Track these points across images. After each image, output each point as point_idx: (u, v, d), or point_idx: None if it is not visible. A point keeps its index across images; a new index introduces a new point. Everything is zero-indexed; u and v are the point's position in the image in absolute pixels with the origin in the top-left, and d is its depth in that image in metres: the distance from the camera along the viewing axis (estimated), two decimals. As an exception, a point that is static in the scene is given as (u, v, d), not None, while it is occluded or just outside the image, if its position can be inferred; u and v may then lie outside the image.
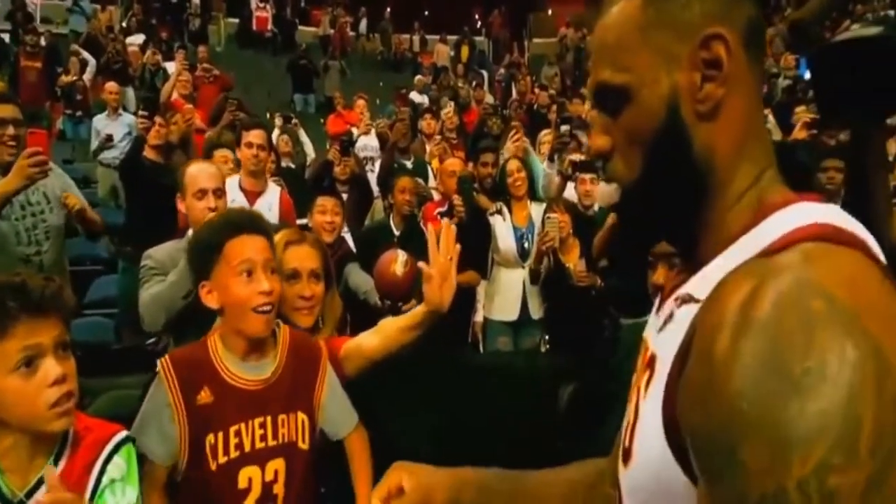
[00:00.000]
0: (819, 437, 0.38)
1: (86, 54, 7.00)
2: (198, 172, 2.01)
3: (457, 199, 3.10)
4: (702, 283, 0.52)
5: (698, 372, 0.45)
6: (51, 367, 1.00)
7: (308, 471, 1.33)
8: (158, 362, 1.28)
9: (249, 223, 1.30)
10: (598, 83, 0.58)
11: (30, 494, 1.02)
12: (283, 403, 1.31)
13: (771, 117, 5.37)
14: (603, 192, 0.62)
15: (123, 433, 1.13)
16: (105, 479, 1.07)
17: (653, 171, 0.57)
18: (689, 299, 0.53)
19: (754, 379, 0.41)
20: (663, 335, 0.56)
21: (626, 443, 0.57)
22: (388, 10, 14.43)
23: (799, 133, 3.62)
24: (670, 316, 0.56)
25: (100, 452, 1.08)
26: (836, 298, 0.41)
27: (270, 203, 2.95)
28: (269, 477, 1.27)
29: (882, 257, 0.49)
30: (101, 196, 4.97)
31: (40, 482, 1.03)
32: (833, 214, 0.50)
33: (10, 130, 2.39)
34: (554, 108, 6.67)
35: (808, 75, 7.82)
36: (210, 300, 1.28)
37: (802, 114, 4.32)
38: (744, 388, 0.41)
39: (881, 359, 0.39)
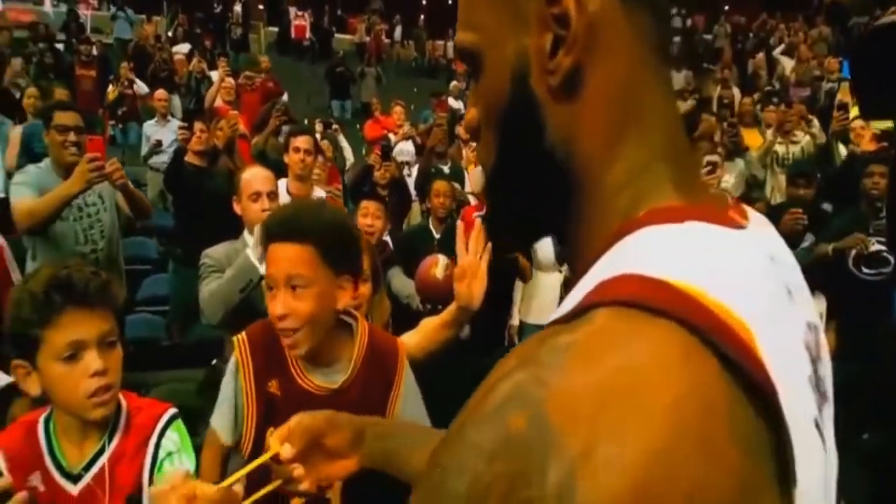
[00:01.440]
0: None
1: (139, 82, 7.26)
2: (252, 177, 2.12)
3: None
4: (568, 301, 0.38)
5: None
6: (92, 359, 1.03)
7: (364, 481, 1.32)
8: (235, 340, 1.25)
9: (283, 230, 1.15)
10: (455, 43, 0.46)
11: (87, 468, 1.09)
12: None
13: (816, 122, 5.28)
14: (475, 177, 0.51)
15: (172, 410, 1.18)
16: (161, 453, 1.13)
17: (505, 158, 0.45)
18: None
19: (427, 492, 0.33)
20: None
21: None
22: (423, 17, 14.61)
23: (868, 145, 3.59)
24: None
25: (152, 429, 1.14)
26: (546, 423, 0.29)
27: (315, 206, 3.04)
28: (323, 482, 1.28)
29: (733, 311, 0.33)
30: (150, 198, 5.17)
31: (96, 457, 1.10)
32: (686, 250, 0.36)
33: (73, 136, 2.56)
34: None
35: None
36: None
37: (863, 129, 4.25)
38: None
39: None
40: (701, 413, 0.29)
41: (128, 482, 1.09)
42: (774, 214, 3.36)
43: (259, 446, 1.19)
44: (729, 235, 0.38)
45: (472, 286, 1.40)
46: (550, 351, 0.32)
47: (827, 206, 3.71)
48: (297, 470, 0.76)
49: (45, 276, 1.04)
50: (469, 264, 1.40)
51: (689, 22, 13.76)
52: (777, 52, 9.15)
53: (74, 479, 1.09)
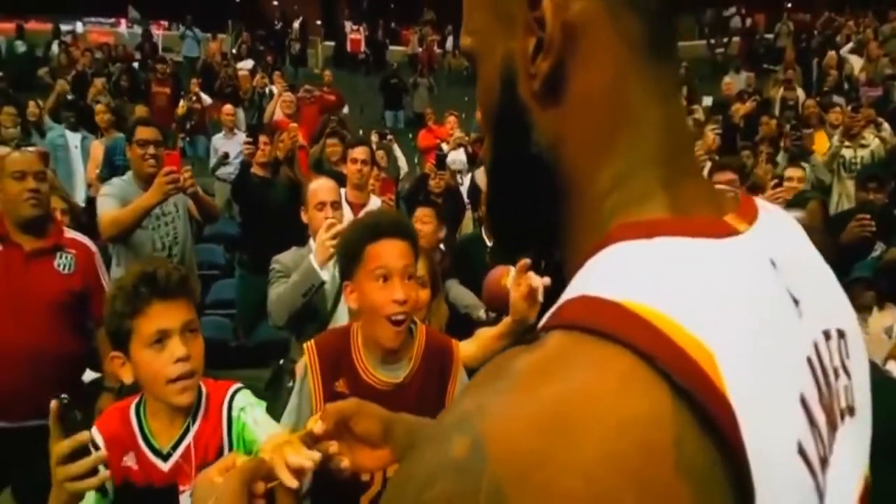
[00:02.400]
0: None
1: (203, 95, 7.68)
2: (318, 187, 2.25)
3: None
4: (547, 314, 0.37)
5: None
6: (176, 346, 1.15)
7: None
8: (304, 347, 1.35)
9: (391, 227, 1.29)
10: (461, 48, 0.47)
11: (175, 447, 1.22)
12: (410, 411, 1.33)
13: (886, 125, 5.03)
14: (482, 175, 0.52)
15: (237, 384, 1.30)
16: (235, 413, 1.25)
17: (498, 159, 0.45)
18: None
19: None
20: None
21: None
22: (475, 26, 14.73)
23: None
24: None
25: (221, 403, 1.26)
26: (482, 451, 0.30)
27: (372, 214, 3.16)
28: (390, 473, 1.33)
29: (694, 333, 0.31)
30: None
31: (182, 437, 1.22)
32: (653, 270, 0.34)
33: (151, 150, 2.76)
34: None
35: None
36: (351, 301, 1.32)
37: None
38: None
39: None
40: (638, 445, 0.28)
41: (212, 455, 1.21)
42: (841, 221, 3.23)
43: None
44: (710, 247, 0.36)
45: (528, 301, 1.44)
46: (501, 377, 0.32)
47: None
48: (332, 447, 0.78)
49: (134, 273, 1.19)
50: (526, 280, 1.44)
51: (749, 21, 13.33)
52: (845, 50, 8.74)
53: (165, 457, 1.21)
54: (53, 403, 1.01)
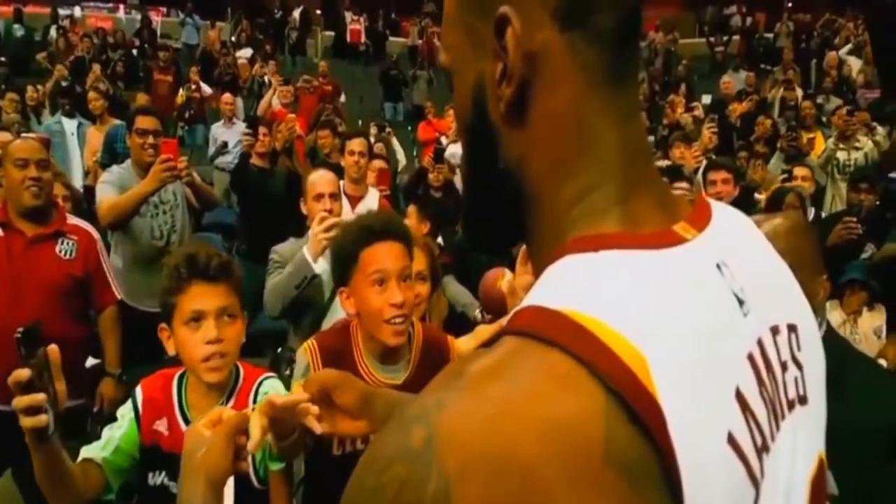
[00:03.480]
0: None
1: (204, 85, 7.66)
2: (317, 179, 2.27)
3: None
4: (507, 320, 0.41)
5: None
6: (209, 328, 1.20)
7: None
8: (305, 346, 1.36)
9: (385, 230, 1.29)
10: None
11: None
12: None
13: (880, 128, 5.07)
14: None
15: (267, 373, 1.36)
16: (260, 396, 1.28)
17: (471, 170, 0.49)
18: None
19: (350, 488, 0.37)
20: None
21: None
22: (475, 19, 14.69)
23: None
24: None
25: (252, 386, 1.31)
26: (433, 442, 0.33)
27: (370, 206, 3.17)
28: None
29: (628, 339, 0.35)
30: (215, 197, 5.48)
31: None
32: (594, 281, 0.38)
33: (151, 139, 2.77)
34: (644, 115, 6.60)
35: None
36: (348, 306, 1.32)
37: None
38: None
39: None
40: (571, 441, 0.32)
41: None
42: (830, 224, 3.27)
43: (326, 440, 1.29)
44: (653, 258, 0.40)
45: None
46: (459, 376, 0.36)
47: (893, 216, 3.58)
48: (313, 409, 0.83)
49: (180, 254, 1.25)
50: (527, 280, 1.43)
51: (749, 20, 13.33)
52: (843, 51, 8.77)
53: None
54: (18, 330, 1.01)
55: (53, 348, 1.06)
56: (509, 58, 0.41)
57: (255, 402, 1.29)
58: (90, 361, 2.40)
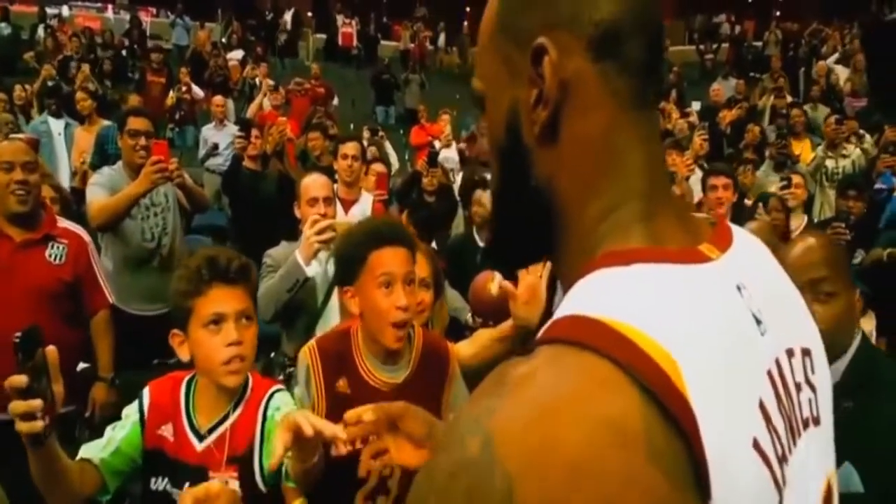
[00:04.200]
0: None
1: (195, 88, 7.61)
2: (310, 183, 2.25)
3: None
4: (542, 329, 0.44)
5: None
6: (230, 330, 1.19)
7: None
8: (305, 349, 1.37)
9: (393, 235, 1.32)
10: (472, 87, 0.53)
11: (211, 430, 1.25)
12: None
13: (868, 137, 5.13)
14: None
15: (277, 385, 1.33)
16: (271, 410, 1.26)
17: (503, 189, 0.52)
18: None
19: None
20: None
21: None
22: (466, 24, 14.74)
23: None
24: None
25: (262, 398, 1.28)
26: (491, 447, 0.36)
27: (364, 210, 3.16)
28: (385, 472, 1.36)
29: (661, 345, 0.37)
30: (206, 199, 5.43)
31: (221, 422, 1.25)
32: (627, 293, 0.41)
33: (143, 141, 2.73)
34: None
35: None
36: (352, 305, 1.34)
37: None
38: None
39: None
40: (615, 436, 0.34)
41: (242, 447, 1.24)
42: (818, 230, 3.30)
43: (327, 443, 1.31)
44: (681, 272, 0.42)
45: (531, 305, 1.43)
46: (503, 383, 0.39)
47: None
48: (341, 433, 0.85)
49: (199, 256, 1.23)
50: (529, 284, 1.43)
51: (738, 28, 13.48)
52: (831, 60, 8.89)
53: (200, 437, 1.24)
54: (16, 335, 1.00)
55: (52, 349, 1.04)
56: (546, 84, 0.45)
57: (264, 415, 1.26)
58: (80, 365, 2.36)
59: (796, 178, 3.55)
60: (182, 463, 1.22)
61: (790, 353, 0.46)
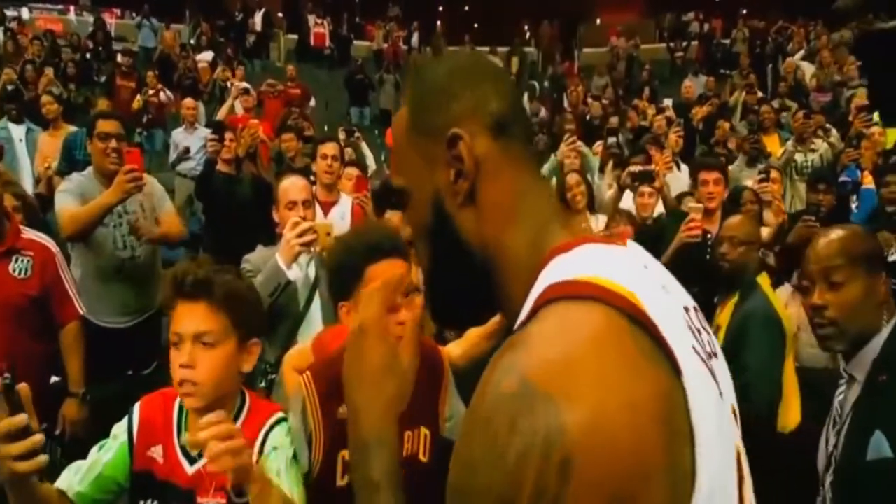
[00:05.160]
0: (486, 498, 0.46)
1: (166, 91, 7.44)
2: (289, 186, 2.20)
3: None
4: (517, 327, 0.56)
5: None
6: (183, 352, 1.12)
7: (428, 482, 1.36)
8: (300, 380, 1.30)
9: (391, 247, 1.29)
10: (392, 183, 0.67)
11: (202, 454, 1.15)
12: (407, 420, 1.32)
13: (834, 131, 5.26)
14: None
15: (278, 414, 1.25)
16: (268, 447, 1.19)
17: (437, 260, 0.64)
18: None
19: (462, 462, 0.48)
20: None
21: None
22: (440, 23, 14.73)
23: (870, 158, 3.64)
24: None
25: (262, 426, 1.20)
26: (527, 380, 0.45)
27: (343, 212, 3.12)
28: None
29: (639, 297, 0.50)
30: (177, 205, 5.29)
31: None
32: (584, 262, 0.54)
33: (114, 143, 2.63)
34: (614, 119, 6.71)
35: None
36: (348, 321, 1.30)
37: (881, 136, 4.32)
38: (457, 473, 0.48)
39: (551, 431, 0.43)
40: (620, 350, 0.48)
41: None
42: (790, 223, 3.37)
43: (329, 469, 1.27)
44: (615, 250, 0.58)
45: None
46: (520, 343, 0.50)
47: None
48: None
49: (174, 268, 1.16)
50: None
51: (706, 26, 13.73)
52: (797, 57, 9.11)
53: (191, 459, 1.17)
54: None
55: (24, 387, 0.98)
56: (465, 162, 0.59)
57: (261, 450, 1.18)
58: (52, 379, 2.28)
59: (774, 173, 3.62)
60: (172, 485, 1.16)
61: (687, 309, 0.59)
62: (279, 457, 1.18)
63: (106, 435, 1.24)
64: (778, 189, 3.44)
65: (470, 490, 0.47)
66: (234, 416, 1.20)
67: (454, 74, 0.63)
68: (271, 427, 1.21)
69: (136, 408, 1.22)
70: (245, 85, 6.29)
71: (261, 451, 1.18)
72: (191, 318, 1.13)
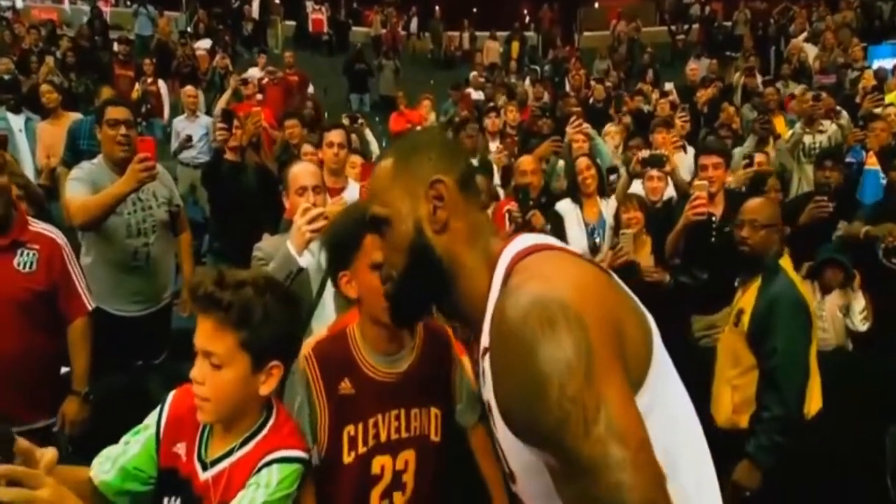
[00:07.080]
0: (547, 392, 0.66)
1: (161, 83, 7.37)
2: (300, 171, 2.17)
3: (513, 207, 3.05)
4: (487, 335, 0.78)
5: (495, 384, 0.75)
6: (196, 366, 1.10)
7: (439, 462, 1.37)
8: (302, 358, 1.31)
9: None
10: (370, 215, 0.90)
11: (215, 463, 1.14)
12: (417, 397, 1.35)
13: (844, 113, 5.20)
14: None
15: (297, 453, 1.14)
16: (254, 477, 1.10)
17: (412, 270, 0.87)
18: (485, 351, 0.79)
19: (514, 375, 0.71)
20: (486, 385, 0.80)
21: (507, 469, 0.85)
22: (438, 8, 14.57)
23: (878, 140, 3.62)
24: (483, 370, 0.82)
25: (269, 453, 1.13)
26: (549, 299, 0.70)
27: (353, 198, 3.09)
28: (399, 466, 1.33)
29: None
30: (181, 193, 5.24)
31: (225, 456, 1.14)
32: (532, 238, 0.83)
33: (123, 130, 2.58)
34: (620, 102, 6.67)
35: (875, 65, 7.51)
36: (349, 290, 1.33)
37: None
38: (512, 385, 0.71)
39: (562, 304, 0.69)
40: (603, 280, 0.78)
41: (231, 495, 1.10)
42: (800, 204, 3.34)
43: (334, 446, 1.30)
44: (546, 236, 0.84)
45: None
46: (514, 285, 0.75)
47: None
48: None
49: (196, 273, 1.14)
50: None
51: (707, 9, 13.59)
52: (799, 39, 9.03)
53: (205, 466, 1.14)
54: None
55: (22, 441, 0.93)
56: (445, 200, 0.86)
57: (260, 468, 1.11)
58: (63, 370, 2.25)
59: (761, 157, 3.59)
60: (190, 486, 1.14)
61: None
62: (253, 495, 1.07)
63: (114, 426, 1.22)
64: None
65: (536, 369, 0.67)
66: (253, 433, 1.15)
67: (436, 140, 0.92)
68: (272, 462, 1.11)
69: (169, 399, 1.19)
70: (245, 75, 6.24)
71: (256, 473, 1.11)
72: (201, 333, 1.08)
